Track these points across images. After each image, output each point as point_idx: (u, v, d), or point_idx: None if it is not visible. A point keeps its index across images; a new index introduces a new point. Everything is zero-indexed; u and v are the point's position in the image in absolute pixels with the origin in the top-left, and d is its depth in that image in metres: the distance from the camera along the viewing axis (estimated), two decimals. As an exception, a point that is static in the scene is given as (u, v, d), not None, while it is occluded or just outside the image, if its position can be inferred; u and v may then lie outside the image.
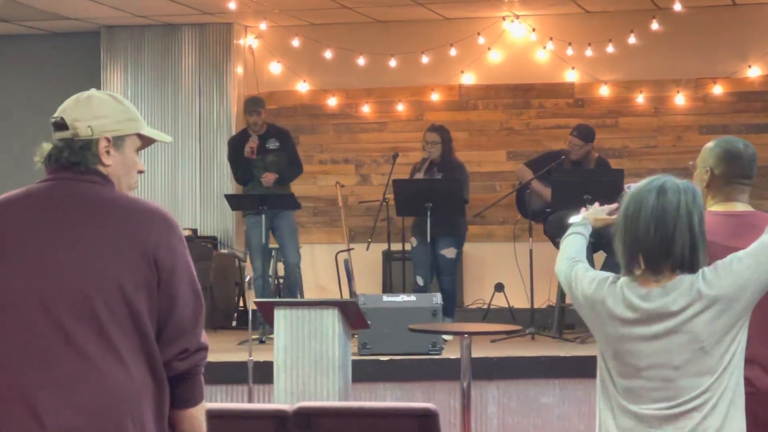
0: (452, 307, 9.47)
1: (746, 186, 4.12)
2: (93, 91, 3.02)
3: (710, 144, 4.32)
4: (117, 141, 2.97)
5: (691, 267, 3.34)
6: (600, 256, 9.19)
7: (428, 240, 9.18)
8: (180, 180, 11.32)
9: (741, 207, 4.25)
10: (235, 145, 9.85)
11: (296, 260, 9.68)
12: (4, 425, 2.80)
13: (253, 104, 9.84)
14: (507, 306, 10.27)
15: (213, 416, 3.16)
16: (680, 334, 3.32)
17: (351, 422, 4.60)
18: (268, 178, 9.63)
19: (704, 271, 3.35)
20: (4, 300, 2.86)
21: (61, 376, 2.80)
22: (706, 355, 3.32)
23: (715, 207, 4.28)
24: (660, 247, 3.33)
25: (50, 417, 2.78)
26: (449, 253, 9.50)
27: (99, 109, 2.96)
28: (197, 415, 2.99)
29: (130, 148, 3.00)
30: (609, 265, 9.09)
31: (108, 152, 2.95)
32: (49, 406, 2.78)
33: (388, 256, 10.69)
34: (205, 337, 2.99)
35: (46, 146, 2.99)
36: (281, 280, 10.05)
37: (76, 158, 2.93)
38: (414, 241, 9.54)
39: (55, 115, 2.96)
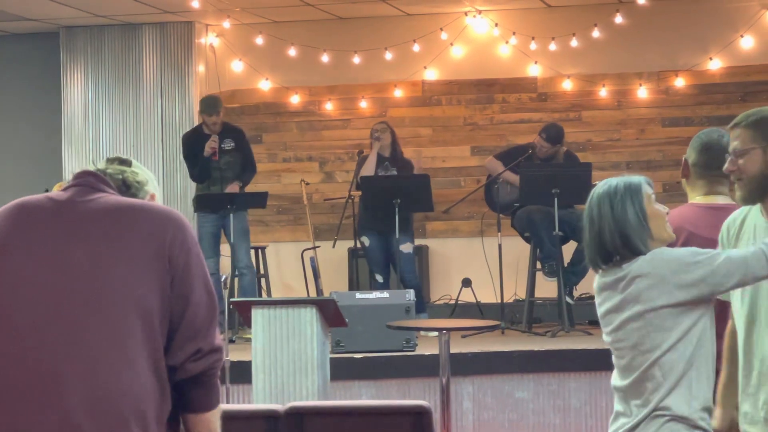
0: (422, 302, 9.47)
1: (724, 177, 4.09)
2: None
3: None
4: None
5: (634, 252, 3.51)
6: (570, 246, 9.23)
7: (389, 236, 9.23)
8: (142, 180, 11.18)
9: (722, 200, 4.25)
10: (192, 143, 9.66)
11: (248, 262, 9.49)
12: (23, 420, 2.77)
13: (213, 105, 9.63)
14: (474, 301, 10.28)
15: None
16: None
17: (343, 421, 4.57)
18: (233, 189, 9.52)
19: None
20: (21, 297, 2.83)
21: (68, 374, 2.77)
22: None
23: (697, 199, 4.28)
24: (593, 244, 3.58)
25: (59, 414, 2.75)
26: (407, 248, 9.50)
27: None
28: (213, 419, 2.95)
29: None
30: (580, 252, 9.14)
31: None
32: (58, 402, 2.75)
33: (353, 253, 10.66)
34: (219, 338, 2.96)
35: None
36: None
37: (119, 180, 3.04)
38: (366, 240, 9.50)
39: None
